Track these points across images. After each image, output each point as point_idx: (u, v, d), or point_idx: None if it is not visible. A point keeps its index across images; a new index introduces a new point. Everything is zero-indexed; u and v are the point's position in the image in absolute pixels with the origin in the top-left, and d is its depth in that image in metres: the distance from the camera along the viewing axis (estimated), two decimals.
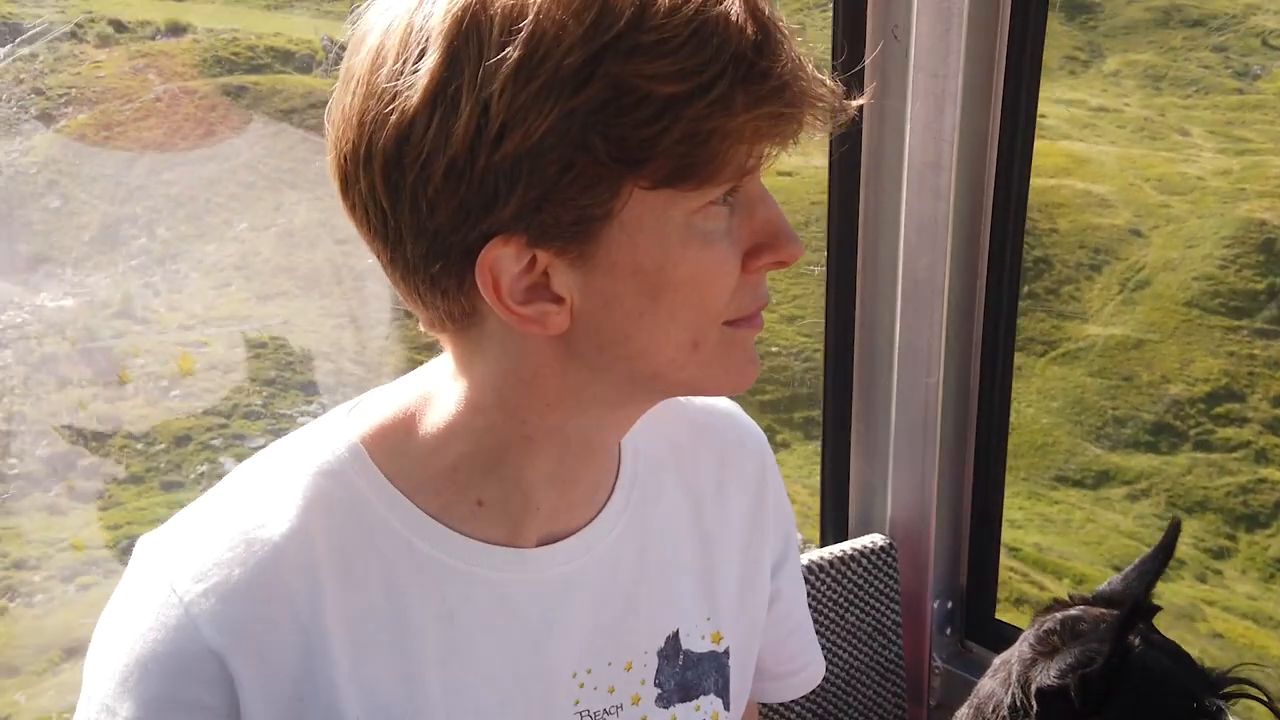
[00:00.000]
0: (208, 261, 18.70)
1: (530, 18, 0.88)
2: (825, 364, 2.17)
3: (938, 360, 2.02)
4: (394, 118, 0.90)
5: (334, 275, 17.83)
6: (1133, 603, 1.29)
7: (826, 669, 1.64)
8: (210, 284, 18.31)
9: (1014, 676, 1.44)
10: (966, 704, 1.52)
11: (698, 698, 1.22)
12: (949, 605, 2.16)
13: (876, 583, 2.05)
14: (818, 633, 1.64)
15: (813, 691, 1.65)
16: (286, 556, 1.03)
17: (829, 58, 1.90)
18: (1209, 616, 14.12)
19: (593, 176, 0.90)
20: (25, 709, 7.11)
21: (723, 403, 1.31)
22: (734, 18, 0.90)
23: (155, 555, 1.05)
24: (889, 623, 2.07)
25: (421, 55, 0.90)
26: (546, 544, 1.12)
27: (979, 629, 2.16)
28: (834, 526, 2.20)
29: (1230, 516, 17.98)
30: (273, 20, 27.88)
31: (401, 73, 0.90)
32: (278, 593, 1.02)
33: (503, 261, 0.93)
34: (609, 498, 1.17)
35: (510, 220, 0.91)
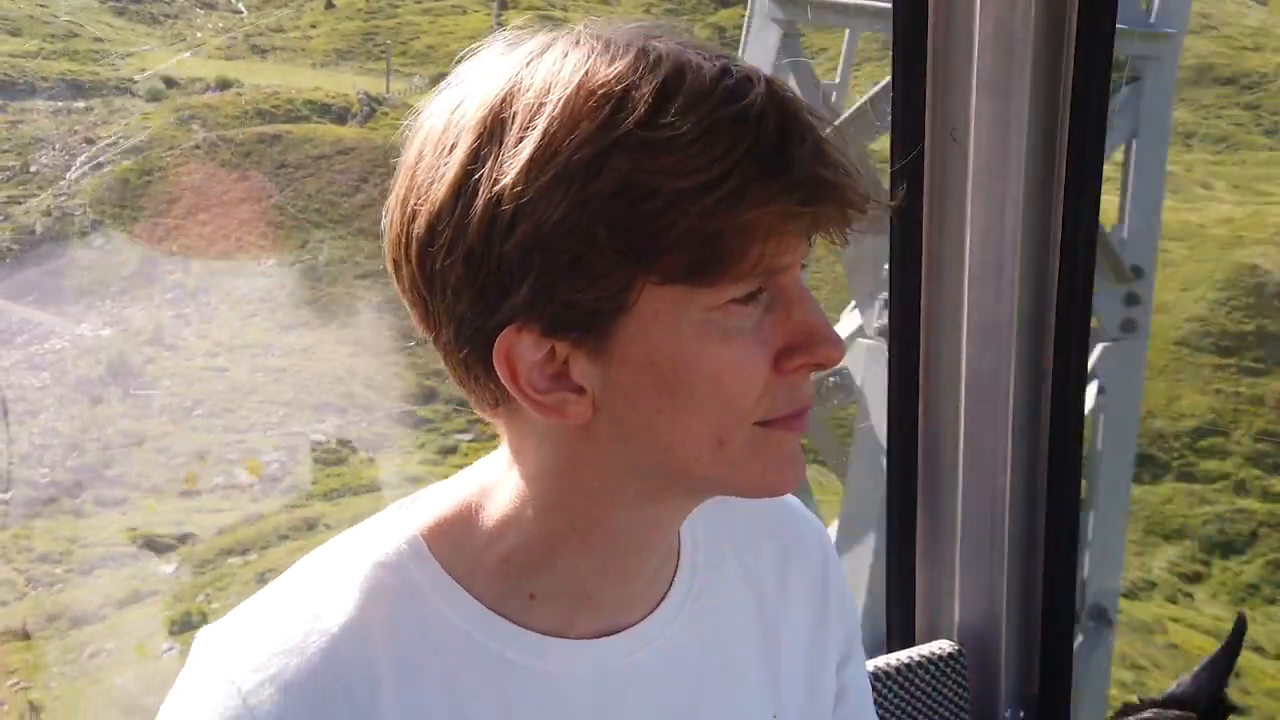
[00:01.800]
0: (236, 294, 19.46)
1: (546, 114, 0.89)
2: (889, 465, 2.07)
3: (1004, 462, 1.93)
4: (425, 207, 0.92)
5: (352, 307, 18.51)
6: (1210, 701, 1.28)
7: None
8: (237, 315, 19.03)
9: None
10: None
11: None
12: (1021, 714, 2.04)
13: (945, 690, 1.92)
14: None
15: None
16: (344, 648, 1.00)
17: (888, 160, 1.86)
18: (1170, 630, 14.34)
19: (602, 268, 0.90)
20: (32, 664, 7.85)
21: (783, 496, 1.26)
22: (753, 114, 0.90)
23: (214, 647, 1.03)
24: None
25: (452, 149, 0.92)
26: (605, 636, 1.07)
27: None
28: (900, 632, 2.08)
29: (1207, 544, 18.09)
30: (317, 77, 28.85)
31: (436, 166, 0.92)
32: (335, 684, 0.99)
33: (519, 349, 0.93)
34: (669, 589, 1.11)
35: (523, 309, 0.91)
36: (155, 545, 11.16)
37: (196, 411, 15.05)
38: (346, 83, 28.22)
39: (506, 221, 0.89)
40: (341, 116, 25.76)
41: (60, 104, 25.69)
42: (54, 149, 24.03)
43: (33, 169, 23.40)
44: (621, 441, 0.97)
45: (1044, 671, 2.02)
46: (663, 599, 1.10)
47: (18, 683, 7.36)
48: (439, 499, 1.07)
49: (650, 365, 0.93)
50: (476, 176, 0.90)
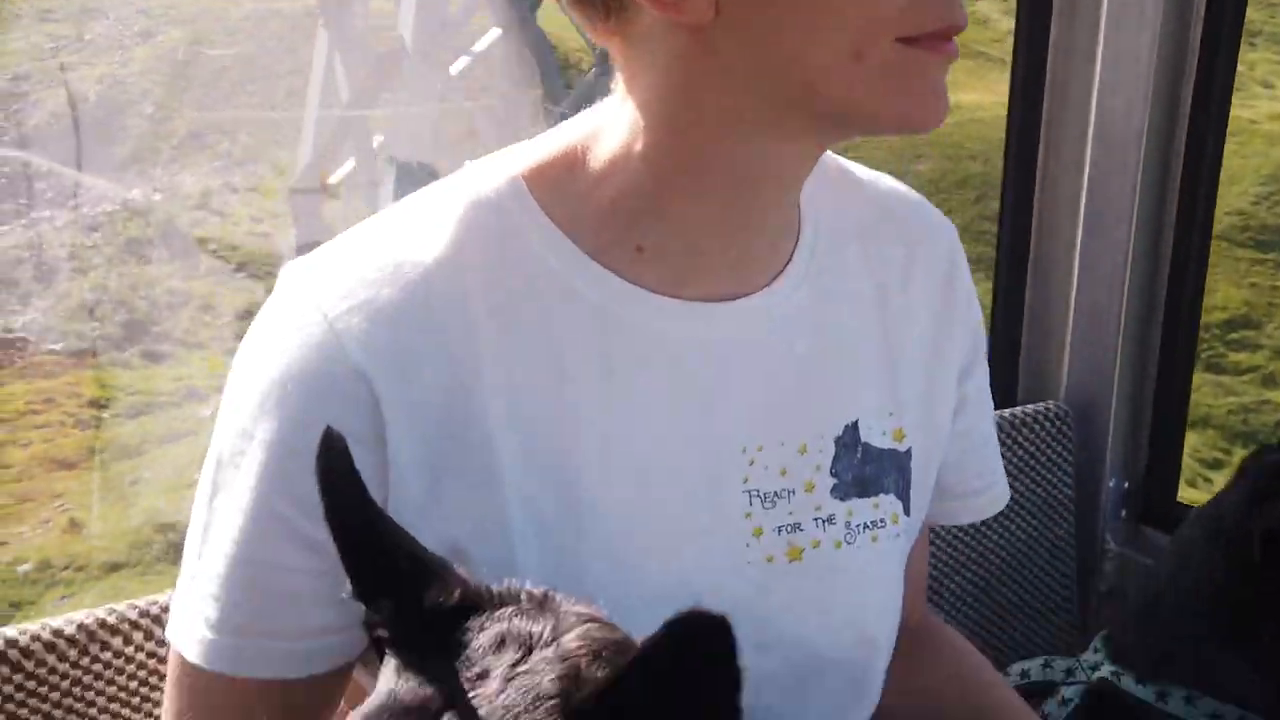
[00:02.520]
0: (281, 163, 19.63)
1: None
2: (1001, 221, 1.93)
3: (1128, 215, 1.80)
4: None
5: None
6: None
7: (991, 541, 1.64)
8: (282, 183, 19.25)
9: (1230, 525, 1.36)
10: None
11: (876, 495, 1.09)
12: (1125, 485, 1.96)
13: (1049, 452, 1.85)
14: None
15: (976, 566, 1.66)
16: (437, 283, 0.94)
17: None
18: None
19: None
20: (76, 490, 8.16)
21: (912, 193, 1.18)
22: None
23: (300, 277, 0.96)
24: (1060, 498, 1.88)
25: None
26: (717, 303, 1.00)
27: (1158, 513, 1.95)
28: (1002, 389, 1.96)
29: (1230, 433, 17.97)
30: None
31: None
32: (427, 319, 0.93)
33: None
34: (787, 266, 1.05)
35: None
36: (196, 393, 11.44)
37: (240, 274, 15.27)
38: None
39: None
40: None
41: None
42: (108, 19, 23.98)
43: (87, 38, 23.40)
44: (744, 49, 0.87)
45: (1154, 443, 1.93)
46: (780, 275, 1.03)
47: (62, 505, 7.67)
48: (542, 144, 1.00)
49: None
50: None
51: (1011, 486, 1.78)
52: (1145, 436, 1.93)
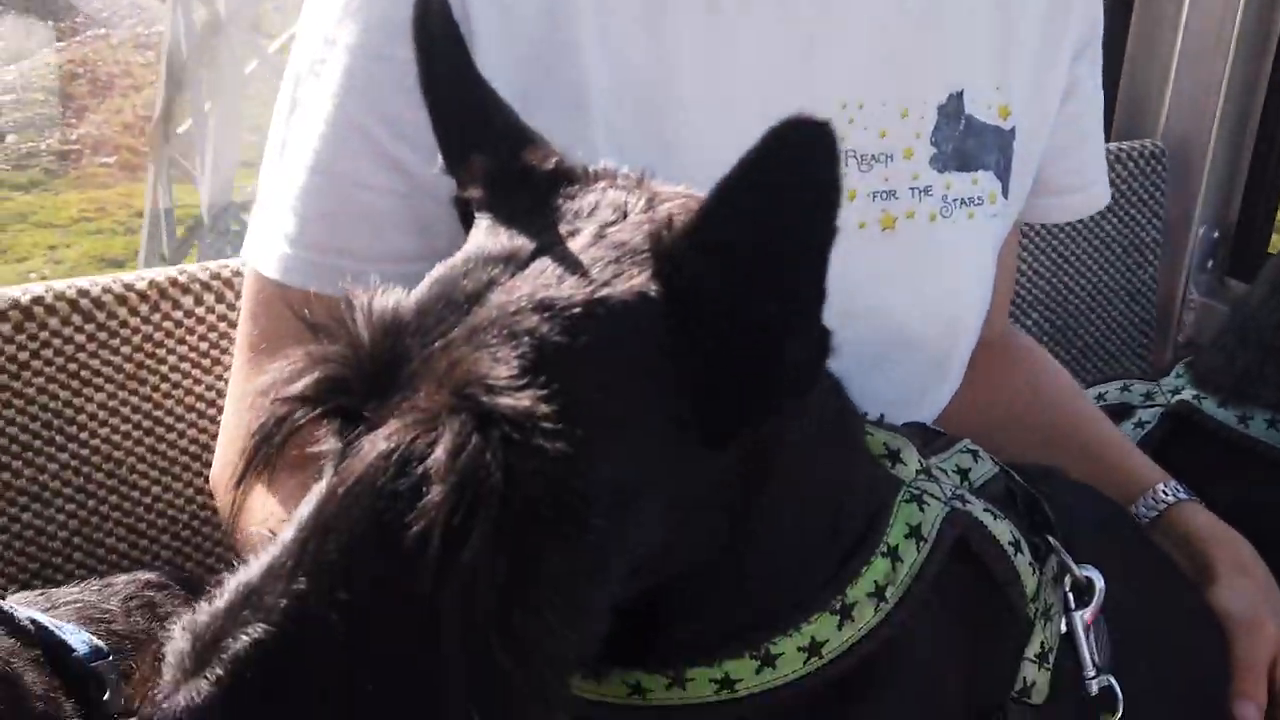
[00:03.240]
0: None
1: None
2: None
3: None
4: None
5: None
6: None
7: (1071, 282, 1.58)
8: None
9: None
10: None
11: (976, 171, 1.03)
12: (1215, 235, 1.84)
13: (1140, 193, 1.75)
14: (1067, 239, 1.50)
15: (1054, 304, 1.59)
16: None
17: None
18: None
19: None
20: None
21: None
22: None
23: None
24: (1147, 240, 1.78)
25: None
26: None
27: (1246, 265, 1.81)
28: None
29: None
30: None
31: None
32: None
33: None
34: None
35: None
36: (245, 208, 11.48)
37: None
38: None
39: None
40: None
41: None
42: None
43: None
44: None
45: (1249, 193, 1.79)
46: None
47: None
48: None
49: None
50: None
51: (1098, 224, 1.69)
52: (1241, 183, 1.79)
